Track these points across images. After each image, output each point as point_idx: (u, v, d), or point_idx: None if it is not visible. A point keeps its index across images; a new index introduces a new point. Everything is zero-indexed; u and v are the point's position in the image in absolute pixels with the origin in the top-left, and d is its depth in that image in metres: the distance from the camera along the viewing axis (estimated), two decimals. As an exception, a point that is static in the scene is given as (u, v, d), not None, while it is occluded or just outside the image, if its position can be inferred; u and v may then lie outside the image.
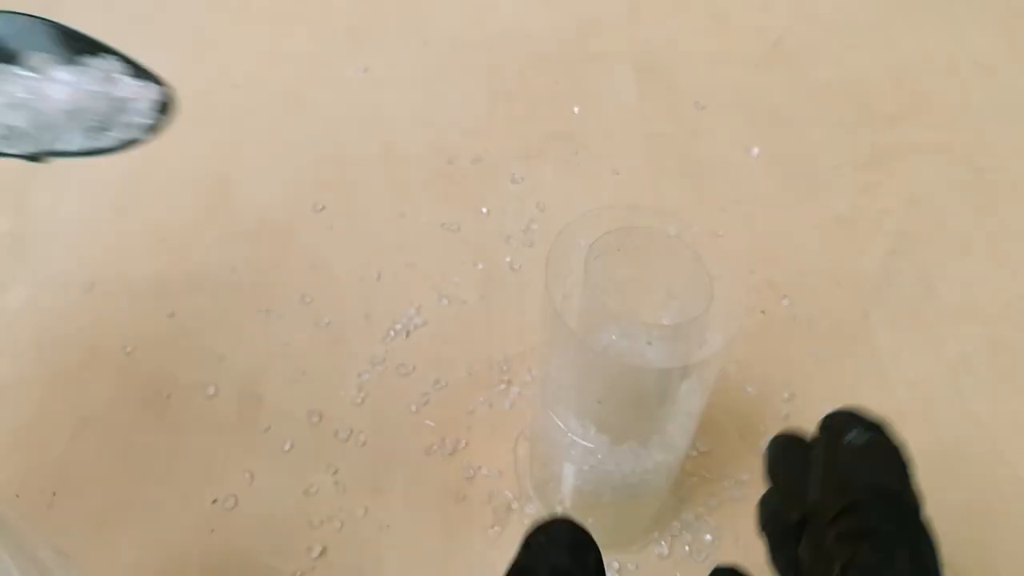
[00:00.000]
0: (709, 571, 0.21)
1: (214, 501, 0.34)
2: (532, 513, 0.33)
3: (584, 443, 0.26)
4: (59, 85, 0.25)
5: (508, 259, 0.42)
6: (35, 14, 0.26)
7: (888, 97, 0.50)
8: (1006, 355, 0.38)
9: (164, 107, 0.27)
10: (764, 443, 0.23)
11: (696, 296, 0.24)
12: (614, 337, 0.25)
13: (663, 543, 0.33)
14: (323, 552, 0.32)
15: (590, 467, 0.27)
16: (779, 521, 0.21)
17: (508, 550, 0.32)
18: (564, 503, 0.31)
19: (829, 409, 0.36)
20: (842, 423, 0.21)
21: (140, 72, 0.27)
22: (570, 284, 0.25)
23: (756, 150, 0.47)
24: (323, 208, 0.44)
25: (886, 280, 0.41)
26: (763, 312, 0.39)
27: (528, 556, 0.20)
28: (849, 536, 0.19)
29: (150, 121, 0.27)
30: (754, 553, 0.22)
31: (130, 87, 0.26)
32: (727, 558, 0.31)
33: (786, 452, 0.22)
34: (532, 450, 0.34)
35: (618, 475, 0.27)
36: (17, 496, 0.34)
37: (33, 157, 0.25)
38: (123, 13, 0.55)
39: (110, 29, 0.56)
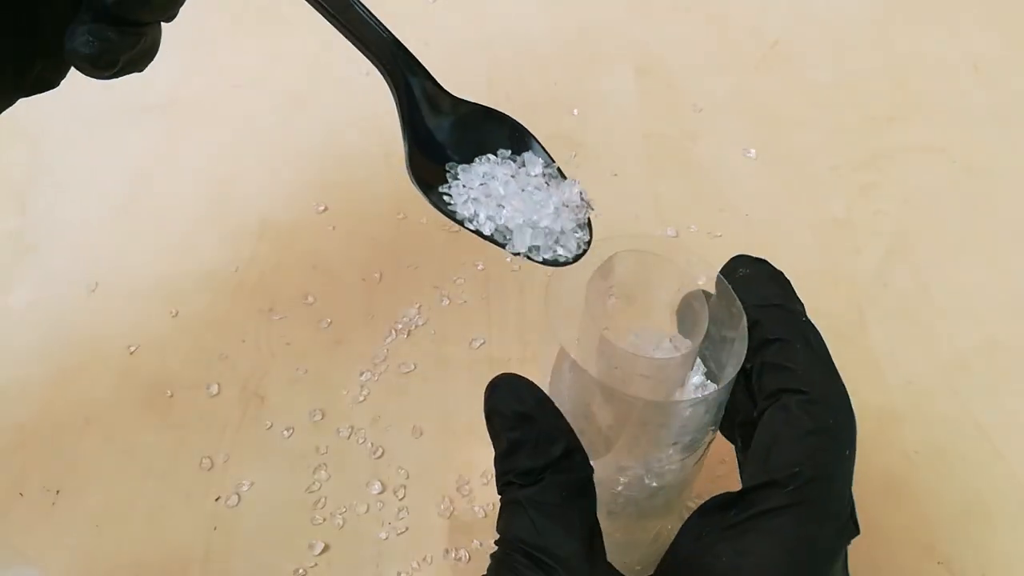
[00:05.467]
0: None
1: (217, 499, 0.34)
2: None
3: None
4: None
5: (508, 259, 0.42)
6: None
7: (885, 98, 0.50)
8: (1002, 355, 0.38)
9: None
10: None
11: (694, 327, 0.24)
12: (611, 364, 0.25)
13: None
14: (325, 549, 0.32)
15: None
16: None
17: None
18: None
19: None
20: (733, 265, 0.26)
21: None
22: (571, 309, 0.25)
23: (753, 151, 0.47)
24: (325, 209, 0.44)
25: (882, 280, 0.41)
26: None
27: (491, 400, 0.24)
28: (757, 345, 0.23)
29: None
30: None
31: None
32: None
33: None
34: None
35: (622, 497, 0.27)
36: (21, 495, 0.34)
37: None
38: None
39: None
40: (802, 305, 0.25)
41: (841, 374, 0.38)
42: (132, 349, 0.38)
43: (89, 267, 0.42)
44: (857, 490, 0.24)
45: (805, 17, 0.55)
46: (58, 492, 0.34)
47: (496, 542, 0.23)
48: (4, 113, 0.52)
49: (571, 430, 0.23)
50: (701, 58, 0.52)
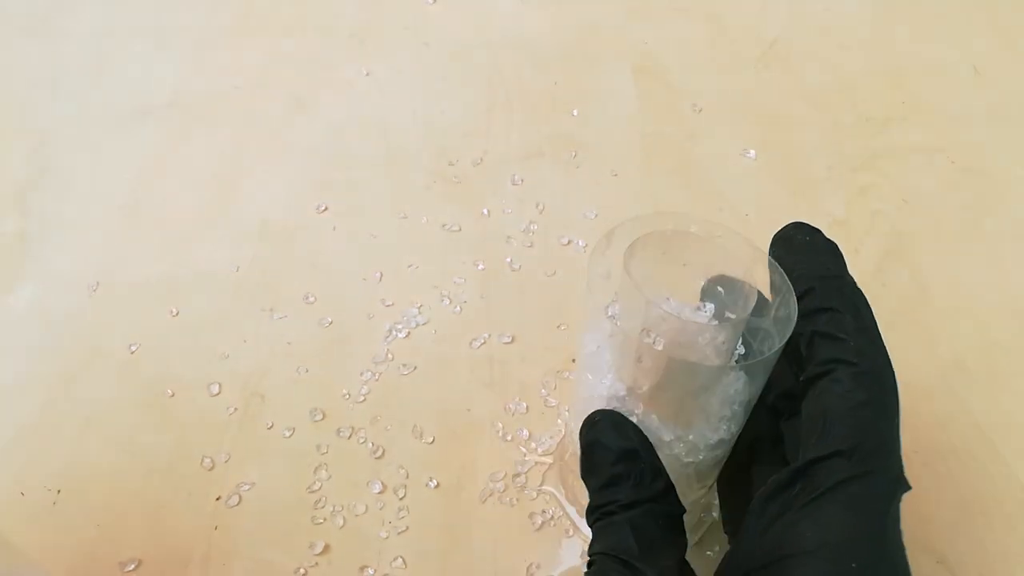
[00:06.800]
0: None
1: (217, 498, 0.34)
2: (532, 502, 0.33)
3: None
4: None
5: (508, 259, 0.42)
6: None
7: (883, 99, 0.50)
8: (1001, 355, 0.38)
9: None
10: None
11: (740, 299, 0.25)
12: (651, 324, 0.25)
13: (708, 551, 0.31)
14: (326, 549, 0.32)
15: None
16: None
17: (505, 547, 0.32)
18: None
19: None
20: (792, 232, 0.27)
21: None
22: (609, 282, 0.25)
23: (752, 152, 0.47)
24: (326, 209, 0.44)
25: (881, 280, 0.41)
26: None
27: (593, 433, 0.25)
28: (809, 312, 0.24)
29: None
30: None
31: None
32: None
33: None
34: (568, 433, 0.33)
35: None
36: (22, 494, 0.34)
37: None
38: (127, 16, 0.56)
39: (113, 31, 0.57)
40: (852, 277, 0.26)
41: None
42: (133, 348, 0.39)
43: (90, 267, 0.42)
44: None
45: (803, 17, 0.55)
46: (59, 491, 0.34)
47: (591, 557, 0.24)
48: (7, 113, 0.52)
49: (665, 471, 0.25)
50: (700, 58, 0.52)
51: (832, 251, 0.26)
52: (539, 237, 0.43)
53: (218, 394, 0.37)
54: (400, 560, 0.32)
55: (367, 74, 0.51)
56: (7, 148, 0.48)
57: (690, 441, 0.26)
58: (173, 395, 0.37)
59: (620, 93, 0.50)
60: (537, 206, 0.44)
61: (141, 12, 0.56)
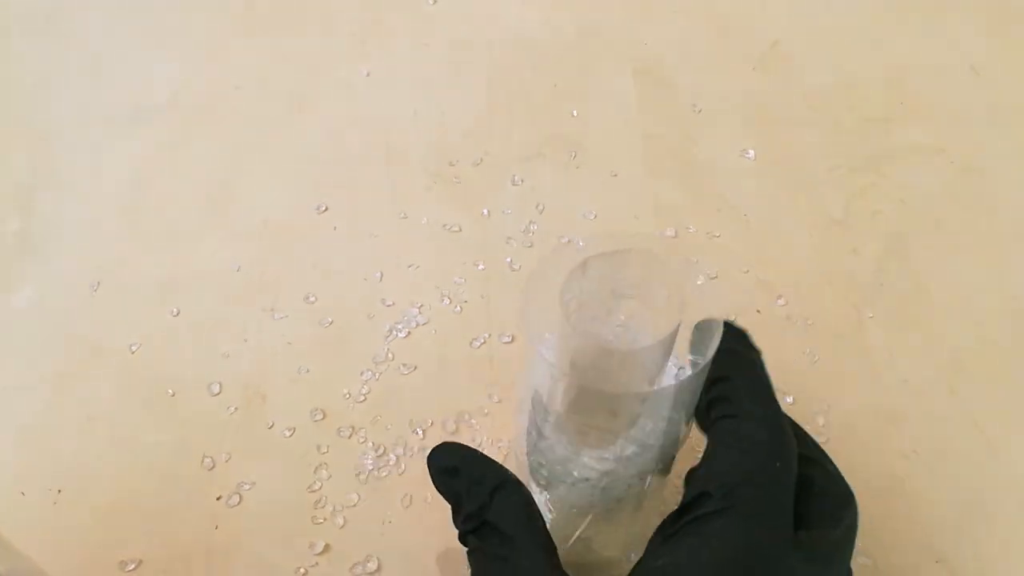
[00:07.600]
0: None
1: (218, 498, 0.34)
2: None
3: (553, 443, 0.26)
4: None
5: (508, 259, 0.42)
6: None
7: (883, 100, 0.50)
8: (999, 354, 0.39)
9: None
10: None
11: (670, 319, 0.24)
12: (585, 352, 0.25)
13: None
14: (326, 548, 0.33)
15: (562, 472, 0.27)
16: None
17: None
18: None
19: (823, 408, 0.37)
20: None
21: None
22: (549, 305, 0.25)
23: (752, 152, 0.47)
24: (326, 209, 0.44)
25: (879, 280, 0.41)
26: (758, 311, 0.40)
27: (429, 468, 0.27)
28: (717, 400, 0.25)
29: None
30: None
31: None
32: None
33: None
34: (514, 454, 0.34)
35: (592, 483, 0.27)
36: (23, 494, 0.34)
37: None
38: (126, 16, 0.56)
39: (114, 32, 0.57)
40: (758, 354, 0.27)
41: (838, 373, 0.38)
42: (134, 348, 0.39)
43: (91, 266, 0.42)
44: (855, 489, 0.25)
45: (804, 18, 0.55)
46: (60, 491, 0.34)
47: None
48: (9, 114, 0.52)
49: (499, 468, 0.25)
50: (700, 59, 0.52)
51: (736, 333, 0.27)
52: (539, 237, 0.43)
53: (219, 394, 0.37)
54: (400, 560, 0.32)
55: (367, 74, 0.51)
56: (8, 148, 0.48)
57: (582, 463, 0.26)
58: (174, 395, 0.37)
59: (620, 93, 0.50)
60: (537, 206, 0.44)
61: (141, 12, 0.56)
